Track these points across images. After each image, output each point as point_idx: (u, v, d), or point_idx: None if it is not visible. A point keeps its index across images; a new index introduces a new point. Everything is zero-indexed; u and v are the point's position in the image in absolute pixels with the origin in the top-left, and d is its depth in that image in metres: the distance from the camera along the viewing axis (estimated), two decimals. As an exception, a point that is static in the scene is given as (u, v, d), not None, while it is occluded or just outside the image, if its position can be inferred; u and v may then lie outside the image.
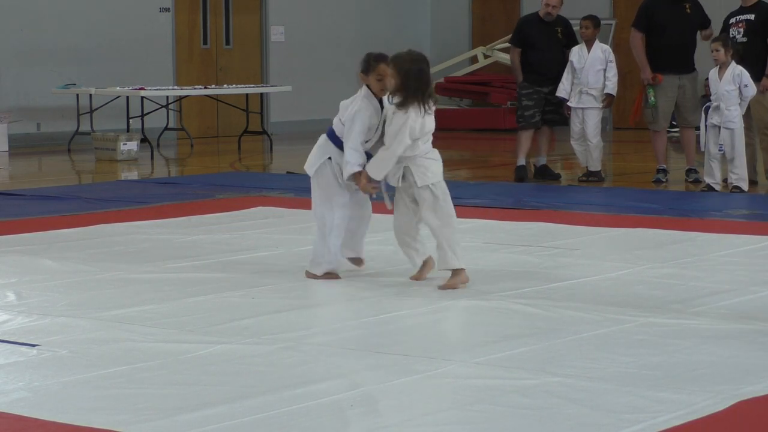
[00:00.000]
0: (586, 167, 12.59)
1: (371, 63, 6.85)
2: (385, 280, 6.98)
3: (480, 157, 16.82)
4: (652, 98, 12.04)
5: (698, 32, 12.28)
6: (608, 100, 12.55)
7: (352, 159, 6.78)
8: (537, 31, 12.81)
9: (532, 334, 5.66)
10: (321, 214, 6.98)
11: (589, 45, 12.49)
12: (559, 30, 12.84)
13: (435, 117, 6.85)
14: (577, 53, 12.49)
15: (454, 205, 6.86)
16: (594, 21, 12.61)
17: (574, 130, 12.55)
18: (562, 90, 12.49)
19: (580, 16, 12.81)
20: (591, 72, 12.41)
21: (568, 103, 12.51)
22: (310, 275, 7.02)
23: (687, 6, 12.17)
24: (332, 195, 6.95)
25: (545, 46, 12.74)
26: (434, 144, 6.89)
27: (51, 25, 17.78)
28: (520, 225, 9.19)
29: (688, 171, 12.29)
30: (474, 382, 4.82)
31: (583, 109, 12.46)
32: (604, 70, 12.44)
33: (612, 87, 12.47)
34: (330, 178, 6.95)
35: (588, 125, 12.44)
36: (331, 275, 7.00)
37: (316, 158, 7.00)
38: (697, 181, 12.01)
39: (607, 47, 12.70)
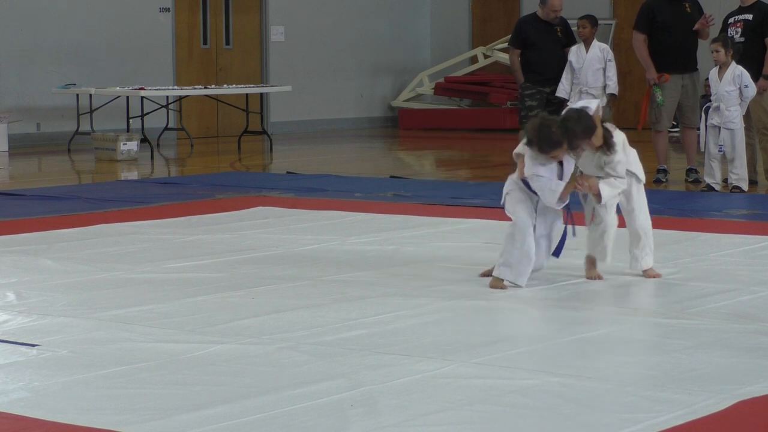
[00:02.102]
0: (586, 167, 12.57)
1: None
2: (384, 281, 6.98)
3: (480, 157, 16.79)
4: (660, 98, 12.02)
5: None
6: (612, 100, 12.55)
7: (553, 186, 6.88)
8: (536, 32, 12.80)
9: (532, 334, 5.66)
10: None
11: (587, 44, 12.48)
12: (558, 29, 12.83)
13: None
14: (575, 53, 12.48)
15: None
16: (591, 20, 12.61)
17: (574, 129, 12.51)
18: (562, 90, 12.48)
19: (580, 16, 12.81)
20: (590, 71, 12.40)
21: (568, 104, 12.50)
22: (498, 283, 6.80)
23: (687, 5, 12.17)
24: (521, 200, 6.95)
25: (545, 46, 12.73)
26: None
27: (51, 25, 17.77)
28: (520, 225, 9.16)
29: (689, 171, 12.28)
30: (474, 382, 4.82)
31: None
32: (603, 69, 12.44)
33: (613, 87, 12.45)
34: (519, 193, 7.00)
35: (587, 125, 12.40)
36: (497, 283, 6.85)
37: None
38: (697, 181, 12.00)
39: (605, 46, 12.68)
